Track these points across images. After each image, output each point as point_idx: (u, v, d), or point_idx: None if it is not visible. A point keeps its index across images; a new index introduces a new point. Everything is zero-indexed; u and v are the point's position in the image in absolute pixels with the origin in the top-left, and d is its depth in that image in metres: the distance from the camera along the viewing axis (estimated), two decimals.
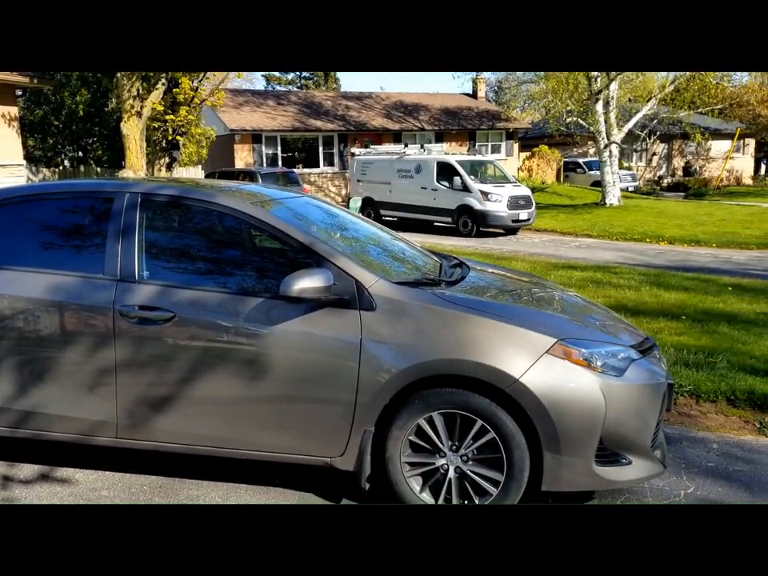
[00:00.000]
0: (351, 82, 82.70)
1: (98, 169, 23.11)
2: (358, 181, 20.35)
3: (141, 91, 16.25)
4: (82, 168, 23.23)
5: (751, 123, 34.74)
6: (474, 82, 33.34)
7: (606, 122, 22.80)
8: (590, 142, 31.83)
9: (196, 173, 23.62)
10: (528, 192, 18.00)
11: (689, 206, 24.03)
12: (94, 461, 3.89)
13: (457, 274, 3.96)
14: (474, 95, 33.41)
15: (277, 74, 51.67)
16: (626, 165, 32.91)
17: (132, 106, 15.99)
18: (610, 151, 22.86)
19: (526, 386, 3.06)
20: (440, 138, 28.43)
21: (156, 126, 18.22)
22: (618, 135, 23.10)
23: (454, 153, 20.94)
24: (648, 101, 24.39)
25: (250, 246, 3.78)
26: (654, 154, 36.16)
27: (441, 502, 3.25)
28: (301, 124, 26.48)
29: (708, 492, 3.64)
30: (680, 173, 36.25)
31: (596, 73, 21.94)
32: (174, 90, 17.89)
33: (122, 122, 16.29)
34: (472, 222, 17.22)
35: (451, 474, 3.24)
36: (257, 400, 3.35)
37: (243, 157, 25.29)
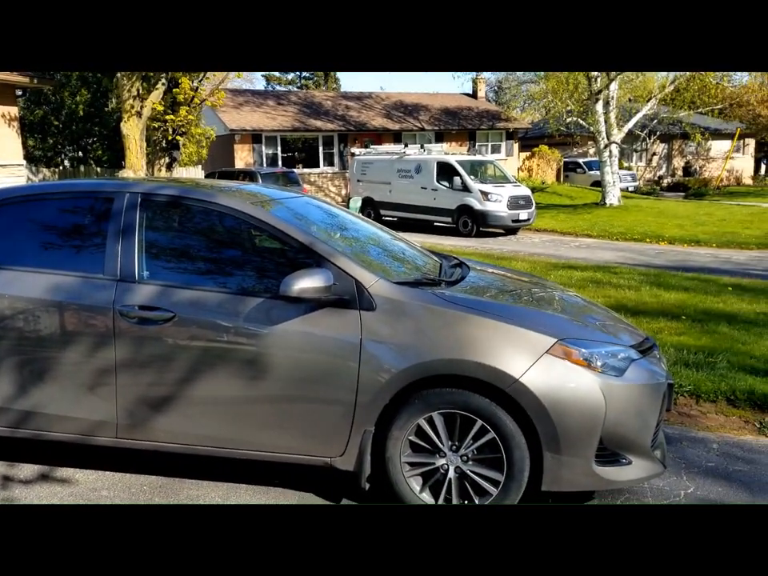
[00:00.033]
0: (351, 81, 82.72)
1: (98, 169, 23.12)
2: (358, 181, 20.35)
3: (141, 91, 16.26)
4: (82, 168, 23.24)
5: (751, 123, 34.74)
6: (474, 82, 33.35)
7: (605, 121, 22.81)
8: (589, 142, 31.83)
9: (196, 173, 23.62)
10: (528, 192, 18.00)
11: (689, 206, 24.03)
12: (94, 461, 3.89)
13: (457, 274, 3.96)
14: (473, 95, 33.42)
15: (277, 73, 51.71)
16: (625, 165, 32.91)
17: (132, 106, 15.99)
18: (610, 151, 22.86)
19: (526, 385, 3.06)
20: (440, 138, 28.43)
21: (156, 125, 18.22)
22: (617, 135, 23.11)
23: (454, 153, 20.94)
24: (648, 101, 24.40)
25: (249, 246, 3.78)
26: (654, 153, 36.15)
27: (441, 501, 3.25)
28: (301, 124, 26.48)
29: (708, 492, 3.64)
30: (680, 173, 36.25)
31: (596, 73, 21.94)
32: (174, 90, 17.90)
33: (122, 122, 16.29)
34: (472, 222, 17.22)
35: (451, 473, 3.24)
36: (257, 400, 3.35)
37: (243, 157, 25.29)
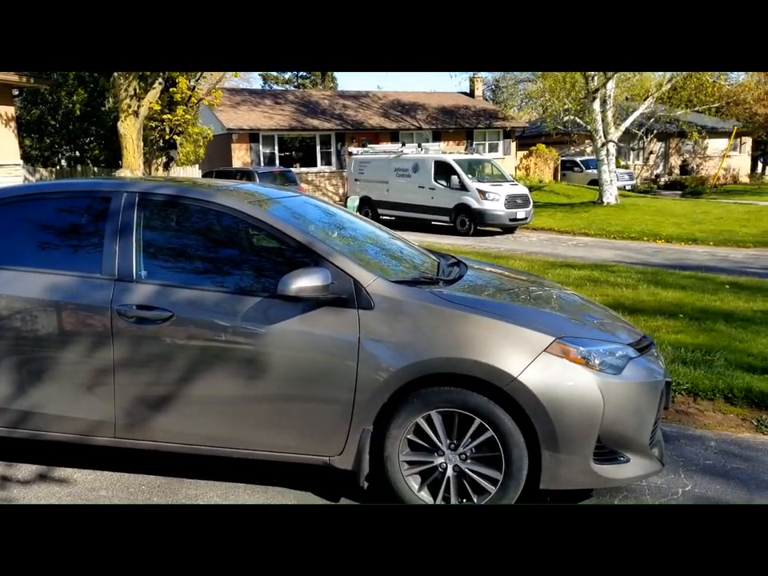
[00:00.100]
0: (348, 80, 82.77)
1: (95, 168, 23.09)
2: (356, 180, 20.34)
3: (138, 90, 16.22)
4: (79, 168, 23.21)
5: (748, 121, 34.77)
6: (471, 80, 33.37)
7: (603, 120, 22.82)
8: (587, 141, 31.84)
9: (193, 172, 23.60)
10: (525, 191, 18.00)
11: (686, 205, 24.05)
12: (92, 461, 3.89)
13: (455, 272, 3.96)
14: (471, 94, 33.43)
15: (274, 72, 51.63)
16: (623, 163, 32.94)
17: (129, 106, 15.96)
18: (607, 150, 22.88)
19: (524, 384, 3.06)
20: (437, 136, 28.43)
21: (153, 125, 18.18)
22: (615, 134, 23.12)
23: (451, 152, 20.94)
24: (645, 99, 24.42)
25: (247, 246, 3.78)
26: (651, 152, 36.18)
27: (439, 500, 3.26)
28: (298, 123, 26.47)
29: (706, 490, 3.64)
30: (677, 171, 36.29)
31: (593, 72, 21.94)
32: (171, 89, 17.85)
33: (118, 122, 16.25)
34: (469, 221, 17.23)
35: (450, 472, 3.24)
36: (255, 399, 3.35)
37: (240, 156, 25.27)
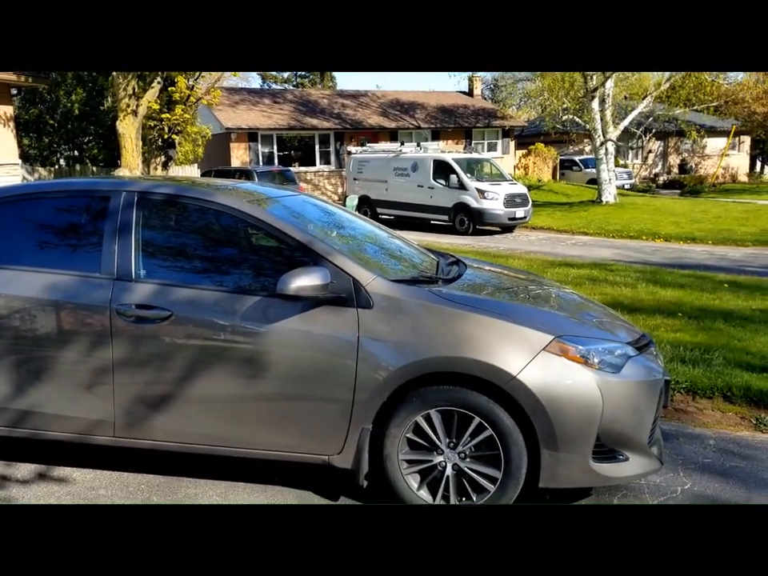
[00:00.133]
0: (347, 80, 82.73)
1: (94, 168, 23.08)
2: (355, 179, 20.33)
3: (136, 90, 16.20)
4: (77, 167, 23.18)
5: (747, 120, 34.76)
6: (470, 80, 33.36)
7: (601, 119, 22.82)
8: (585, 140, 31.83)
9: (192, 171, 23.58)
10: (524, 190, 18.00)
11: (684, 204, 24.06)
12: (91, 460, 3.89)
13: (454, 271, 3.96)
14: (470, 93, 33.43)
15: (273, 72, 51.59)
16: (621, 162, 32.93)
17: (128, 105, 15.95)
18: (606, 149, 22.88)
19: (524, 383, 3.06)
20: (436, 136, 28.43)
21: (152, 124, 18.17)
22: (613, 133, 23.12)
23: (450, 151, 20.93)
24: (644, 98, 24.43)
25: (246, 245, 3.78)
26: (650, 151, 36.18)
27: (438, 499, 3.26)
28: (297, 122, 26.46)
29: (705, 488, 3.65)
30: (676, 170, 36.30)
31: (592, 72, 21.93)
32: (169, 88, 17.84)
33: (117, 121, 16.24)
34: (468, 220, 17.23)
35: (449, 471, 3.24)
36: (254, 398, 3.35)
37: (239, 155, 25.26)
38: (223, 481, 3.69)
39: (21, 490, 3.58)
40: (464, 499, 3.25)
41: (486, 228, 17.50)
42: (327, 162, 27.21)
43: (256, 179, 17.88)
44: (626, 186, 29.36)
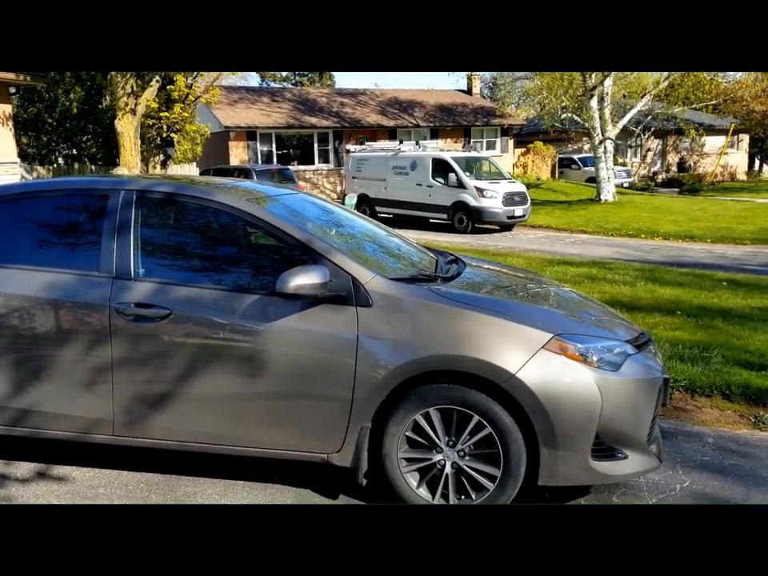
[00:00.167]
0: (346, 78, 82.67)
1: (93, 166, 23.06)
2: (353, 177, 20.32)
3: (135, 88, 16.19)
4: (76, 166, 23.16)
5: (745, 119, 34.77)
6: (469, 78, 33.31)
7: (600, 118, 22.82)
8: (584, 138, 31.81)
9: (191, 170, 23.57)
10: (523, 188, 18.01)
11: (683, 202, 24.07)
12: (91, 459, 3.89)
13: (453, 270, 3.96)
14: (468, 92, 33.40)
15: (272, 71, 51.51)
16: (620, 161, 32.94)
17: (126, 104, 15.93)
18: (605, 147, 22.89)
19: (523, 381, 3.07)
20: (435, 134, 28.40)
21: (150, 123, 18.16)
22: (612, 131, 23.12)
23: (449, 149, 20.93)
24: (642, 97, 24.40)
25: (245, 243, 3.78)
26: (649, 149, 36.19)
27: (438, 497, 3.26)
28: (295, 121, 26.44)
29: (704, 486, 3.65)
30: (674, 169, 36.30)
31: (592, 72, 21.92)
32: (168, 87, 17.83)
33: (116, 120, 16.22)
34: (467, 219, 17.23)
35: (448, 469, 3.24)
36: (254, 397, 3.35)
37: (238, 154, 25.24)
38: (222, 479, 3.69)
39: (20, 489, 3.58)
40: (463, 497, 3.26)
41: (485, 226, 17.50)
42: (326, 161, 27.20)
43: (255, 178, 17.86)
44: (624, 185, 29.37)
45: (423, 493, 3.29)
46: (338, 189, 26.47)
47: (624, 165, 33.00)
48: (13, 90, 16.34)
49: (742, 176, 36.71)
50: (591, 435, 3.13)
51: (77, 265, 3.54)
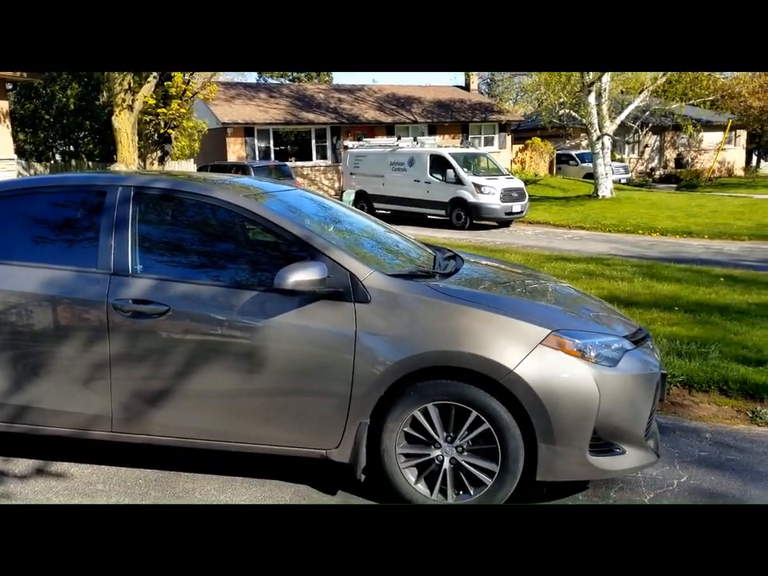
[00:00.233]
0: (343, 75, 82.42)
1: (90, 163, 23.00)
2: (351, 174, 20.31)
3: (132, 84, 16.16)
4: (73, 162, 23.12)
5: (743, 114, 34.79)
6: (467, 74, 33.28)
7: (598, 114, 22.81)
8: (582, 134, 31.83)
9: (188, 166, 23.53)
10: (521, 184, 18.00)
11: (681, 198, 24.09)
12: (89, 455, 3.89)
13: (451, 266, 3.97)
14: (466, 87, 33.37)
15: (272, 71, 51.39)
16: (618, 157, 32.95)
17: (123, 100, 15.91)
18: (603, 143, 22.88)
19: (521, 376, 3.07)
20: (433, 130, 28.39)
21: (148, 119, 18.13)
22: (610, 127, 23.11)
23: (446, 145, 20.93)
24: (640, 93, 24.40)
25: (243, 239, 3.78)
26: (647, 145, 36.21)
27: (436, 492, 3.27)
28: (293, 117, 26.40)
29: (701, 481, 3.66)
30: (672, 164, 36.34)
31: (592, 71, 21.90)
32: (165, 83, 17.79)
33: (113, 116, 16.20)
34: (465, 215, 17.23)
35: (446, 464, 3.25)
36: (252, 393, 3.35)
37: (236, 150, 25.20)
38: (221, 475, 3.69)
39: (19, 486, 3.58)
40: (461, 493, 3.27)
41: (483, 222, 17.51)
42: (324, 157, 27.17)
43: (252, 174, 17.85)
44: (622, 181, 29.39)
45: (421, 488, 3.29)
46: (336, 185, 26.45)
47: (622, 161, 33.01)
48: (9, 86, 16.28)
49: (739, 172, 36.75)
50: (589, 431, 3.14)
51: (74, 261, 3.54)
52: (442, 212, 17.75)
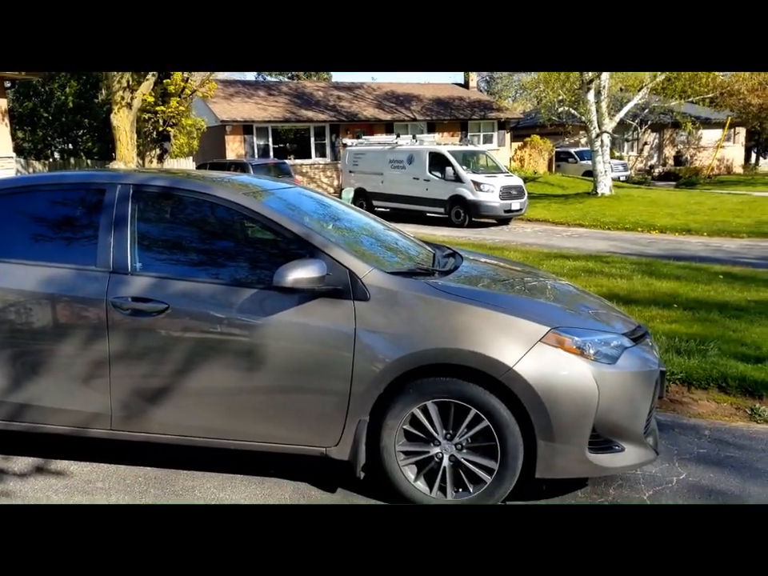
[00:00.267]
0: (343, 73, 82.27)
1: (89, 161, 22.99)
2: (350, 171, 20.30)
3: (131, 82, 16.15)
4: (72, 160, 23.10)
5: (742, 112, 34.77)
6: (466, 72, 33.25)
7: (597, 111, 22.80)
8: (581, 132, 31.81)
9: (187, 164, 23.53)
10: (520, 182, 18.01)
11: (680, 195, 24.09)
12: (88, 453, 3.89)
13: (450, 263, 3.97)
14: (465, 85, 33.35)
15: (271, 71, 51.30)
16: (617, 154, 32.93)
17: (122, 98, 15.89)
18: (602, 141, 22.88)
19: (520, 374, 3.07)
20: (432, 128, 28.36)
21: (146, 117, 18.12)
22: (609, 125, 23.11)
23: (446, 143, 20.90)
24: (639, 90, 24.39)
25: (242, 237, 3.77)
26: (646, 143, 36.19)
27: (435, 490, 3.27)
28: (292, 115, 26.37)
29: (700, 478, 3.67)
30: (671, 162, 36.31)
31: (591, 71, 21.89)
32: (164, 81, 17.78)
33: (112, 114, 16.19)
34: (464, 213, 17.23)
35: (446, 462, 3.25)
36: (251, 391, 3.35)
37: (234, 148, 25.18)
38: (220, 473, 3.69)
39: (18, 484, 3.58)
40: (461, 490, 3.27)
41: (482, 220, 17.50)
42: (323, 155, 27.15)
43: (251, 172, 17.83)
44: (621, 178, 29.37)
45: (421, 486, 3.30)
46: (335, 183, 26.44)
47: (621, 158, 32.99)
48: (8, 84, 16.27)
49: (738, 169, 36.72)
50: (588, 428, 3.15)
51: (74, 259, 3.54)
52: (441, 210, 17.74)
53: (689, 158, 36.25)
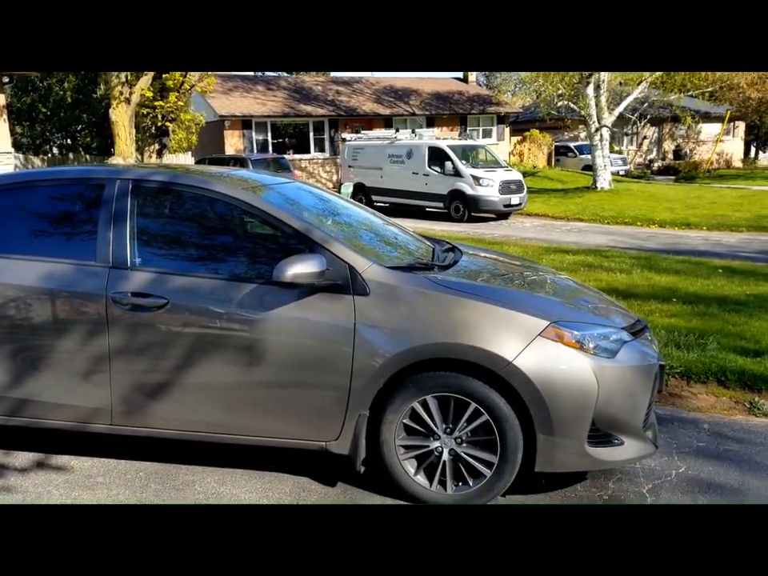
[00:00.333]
0: None
1: (87, 156, 22.97)
2: (349, 166, 20.27)
3: (129, 77, 16.12)
4: (71, 155, 23.07)
5: (741, 106, 34.74)
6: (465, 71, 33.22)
7: (596, 105, 22.77)
8: (580, 126, 31.79)
9: (186, 159, 23.51)
10: (519, 176, 17.98)
11: (679, 190, 24.07)
12: (89, 448, 3.90)
13: (449, 258, 3.97)
14: (464, 80, 33.28)
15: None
16: (616, 149, 32.90)
17: (121, 93, 15.87)
18: (601, 135, 22.85)
19: (519, 368, 3.08)
20: (431, 122, 28.32)
21: (145, 112, 18.09)
22: (608, 119, 23.08)
23: (445, 138, 20.87)
24: (638, 84, 24.34)
25: (242, 232, 3.78)
26: (645, 137, 36.15)
27: (435, 484, 3.28)
28: (291, 109, 26.33)
29: (699, 472, 3.68)
30: (670, 156, 36.29)
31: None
32: (163, 75, 17.74)
33: (110, 109, 16.17)
34: (464, 207, 17.20)
35: (445, 456, 3.26)
36: (251, 386, 3.36)
37: (233, 143, 25.15)
38: (221, 468, 3.70)
39: (19, 479, 3.59)
40: (460, 484, 3.28)
41: (482, 215, 17.49)
42: (322, 150, 27.11)
43: (250, 167, 17.80)
44: (620, 173, 29.36)
45: (421, 480, 3.31)
46: (334, 178, 26.41)
47: (620, 152, 32.98)
48: (6, 80, 16.23)
49: (737, 163, 36.72)
50: (587, 422, 3.15)
51: (73, 254, 3.54)
52: (441, 204, 17.72)
53: (688, 152, 36.23)
